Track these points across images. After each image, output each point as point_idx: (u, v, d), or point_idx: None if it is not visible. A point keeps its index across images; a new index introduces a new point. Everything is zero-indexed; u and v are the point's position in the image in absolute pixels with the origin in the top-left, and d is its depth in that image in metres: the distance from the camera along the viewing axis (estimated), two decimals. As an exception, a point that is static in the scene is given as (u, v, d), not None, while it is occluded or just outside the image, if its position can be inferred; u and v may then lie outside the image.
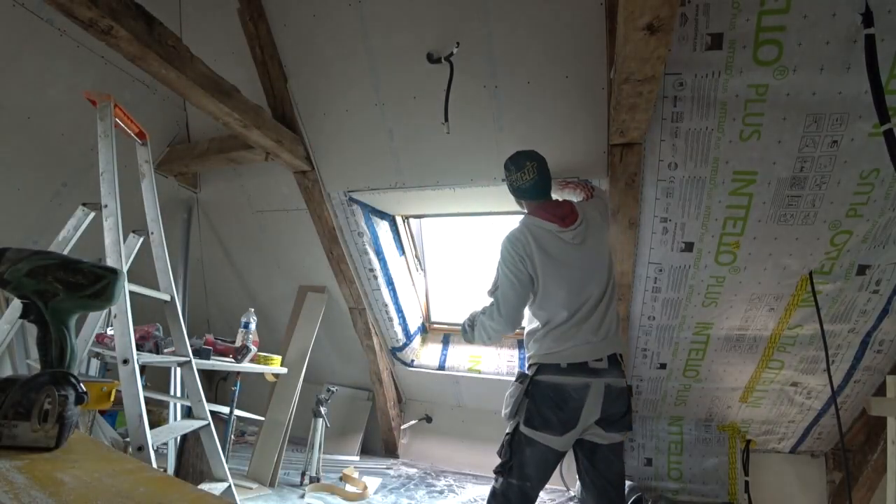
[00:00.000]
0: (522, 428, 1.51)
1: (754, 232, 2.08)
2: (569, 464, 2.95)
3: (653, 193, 2.10)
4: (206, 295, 3.86)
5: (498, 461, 1.57)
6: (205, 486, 1.81)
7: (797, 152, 1.84)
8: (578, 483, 1.84)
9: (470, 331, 1.77)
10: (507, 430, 1.56)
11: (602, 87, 2.01)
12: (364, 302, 3.12)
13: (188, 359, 1.92)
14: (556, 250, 1.63)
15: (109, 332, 2.01)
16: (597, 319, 1.59)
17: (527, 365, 1.66)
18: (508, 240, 1.69)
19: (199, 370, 1.98)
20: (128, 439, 1.61)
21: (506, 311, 1.64)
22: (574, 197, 1.99)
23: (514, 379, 1.62)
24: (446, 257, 3.28)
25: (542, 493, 2.79)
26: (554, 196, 1.90)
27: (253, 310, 2.70)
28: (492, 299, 1.71)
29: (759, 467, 2.80)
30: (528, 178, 1.73)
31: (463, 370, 3.12)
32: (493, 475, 1.57)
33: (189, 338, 2.00)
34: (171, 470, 2.39)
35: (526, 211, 1.83)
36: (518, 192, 1.80)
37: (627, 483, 2.54)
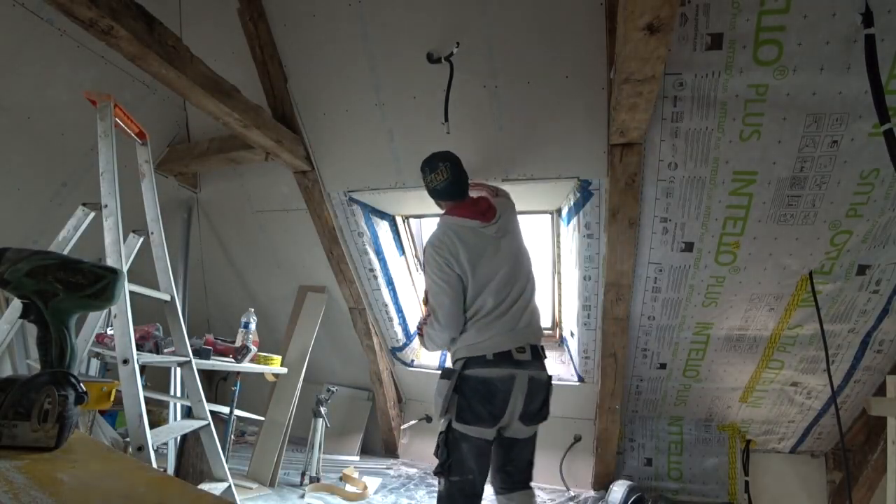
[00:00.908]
0: (455, 424, 1.50)
1: (754, 232, 2.08)
2: (569, 464, 2.98)
3: (653, 193, 2.10)
4: (206, 295, 3.85)
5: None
6: (205, 486, 1.81)
7: (797, 152, 1.84)
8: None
9: (421, 339, 1.78)
10: (440, 430, 1.55)
11: (602, 87, 2.01)
12: (364, 302, 3.12)
13: (188, 359, 1.92)
14: (480, 246, 1.66)
15: (109, 332, 2.01)
16: (518, 310, 1.62)
17: (451, 361, 1.66)
18: (431, 245, 1.69)
19: (199, 370, 1.98)
20: (128, 439, 1.61)
21: (444, 318, 1.62)
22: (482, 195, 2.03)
23: (439, 376, 1.61)
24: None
25: (542, 493, 2.82)
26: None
27: (253, 310, 2.70)
28: (426, 309, 1.72)
29: (759, 467, 2.80)
30: (443, 178, 1.75)
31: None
32: (434, 477, 1.58)
33: (189, 338, 2.00)
34: (171, 470, 2.39)
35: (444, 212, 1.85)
36: (435, 194, 1.82)
37: (627, 483, 2.54)
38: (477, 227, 1.68)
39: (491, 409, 1.49)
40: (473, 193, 2.04)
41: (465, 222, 1.70)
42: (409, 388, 3.53)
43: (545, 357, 1.65)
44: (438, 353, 3.26)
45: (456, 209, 1.76)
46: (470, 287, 1.63)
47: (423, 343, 1.77)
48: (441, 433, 1.54)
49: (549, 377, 1.65)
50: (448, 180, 1.76)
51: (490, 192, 2.05)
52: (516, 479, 1.60)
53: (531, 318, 1.65)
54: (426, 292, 1.75)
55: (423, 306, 1.77)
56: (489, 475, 1.61)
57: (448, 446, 1.50)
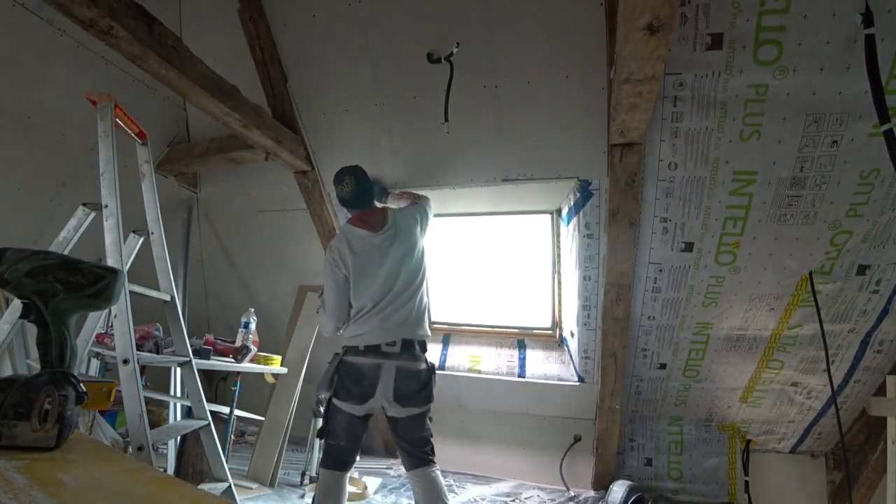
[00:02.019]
0: (333, 399, 1.82)
1: (754, 232, 2.08)
2: (569, 464, 2.98)
3: (653, 193, 2.10)
4: (206, 295, 3.85)
5: None
6: (205, 486, 1.81)
7: (797, 152, 1.84)
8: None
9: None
10: (325, 402, 1.87)
11: (602, 87, 2.01)
12: (364, 302, 3.12)
13: (188, 359, 1.92)
14: (366, 252, 1.90)
15: (110, 331, 2.00)
16: (393, 309, 1.85)
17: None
18: (329, 249, 1.97)
19: (199, 370, 1.98)
20: (128, 439, 1.61)
21: (329, 310, 1.95)
22: (401, 203, 2.31)
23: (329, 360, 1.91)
24: (446, 257, 3.28)
25: (541, 493, 2.82)
26: (390, 203, 2.35)
27: (253, 310, 2.70)
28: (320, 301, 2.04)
29: (759, 467, 2.80)
30: (347, 189, 1.94)
31: (463, 370, 3.11)
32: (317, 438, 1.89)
33: (189, 338, 2.00)
34: (171, 470, 2.39)
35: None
36: (342, 202, 2.01)
37: (627, 483, 2.54)
38: (366, 237, 1.92)
39: (359, 391, 1.77)
40: (392, 202, 2.39)
41: (357, 231, 1.94)
42: (409, 388, 3.52)
43: (422, 350, 1.88)
44: (439, 353, 3.26)
45: (354, 218, 2.00)
46: (353, 287, 1.90)
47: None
48: (325, 405, 1.85)
49: (425, 367, 1.86)
50: (352, 191, 1.94)
51: (411, 198, 2.29)
52: (416, 455, 1.83)
53: (407, 316, 1.86)
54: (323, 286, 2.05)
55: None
56: (401, 460, 1.90)
57: (328, 415, 1.83)
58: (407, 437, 1.84)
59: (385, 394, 1.77)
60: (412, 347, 1.84)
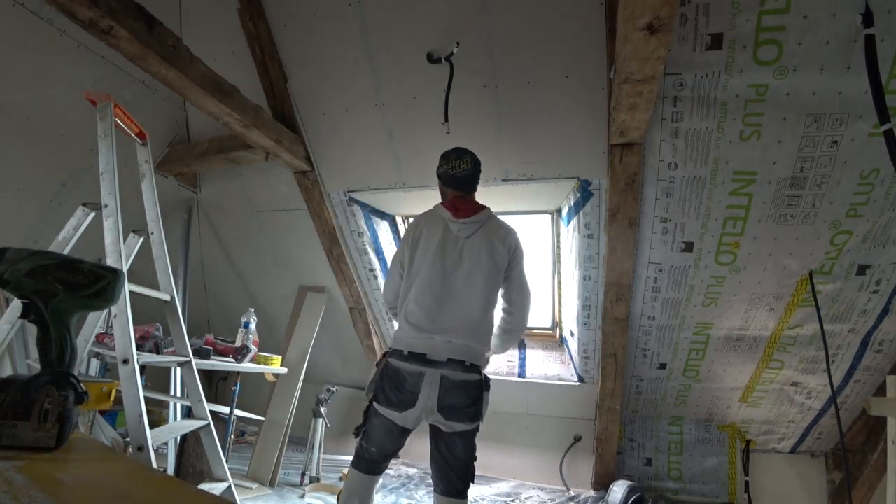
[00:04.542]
0: (374, 403, 1.69)
1: (754, 232, 2.08)
2: (569, 464, 2.98)
3: (653, 193, 2.10)
4: (206, 295, 3.85)
5: None
6: (205, 486, 1.81)
7: (797, 152, 1.84)
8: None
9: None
10: (367, 403, 1.74)
11: (602, 87, 2.01)
12: (364, 302, 3.12)
13: (188, 359, 1.92)
14: (438, 233, 1.73)
15: (110, 331, 2.00)
16: (448, 309, 1.66)
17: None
18: (413, 219, 1.86)
19: (199, 370, 1.98)
20: (128, 439, 1.61)
21: (385, 286, 1.87)
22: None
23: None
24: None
25: (541, 493, 2.82)
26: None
27: (253, 310, 2.70)
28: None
29: (759, 467, 2.80)
30: (465, 167, 1.79)
31: (463, 370, 3.11)
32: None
33: (189, 338, 2.00)
34: (171, 470, 2.39)
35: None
36: (448, 179, 1.82)
37: (627, 483, 2.54)
38: (447, 218, 1.75)
39: (400, 397, 1.62)
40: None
41: (441, 211, 1.78)
42: (409, 388, 3.52)
43: (473, 368, 1.64)
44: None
45: (447, 202, 1.81)
46: (409, 268, 1.74)
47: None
48: (366, 406, 1.73)
49: (477, 379, 1.64)
50: (467, 172, 1.79)
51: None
52: (450, 482, 1.66)
53: (460, 323, 1.65)
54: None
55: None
56: (432, 476, 1.73)
57: (366, 417, 1.71)
58: (447, 455, 1.66)
59: (428, 402, 1.59)
60: (461, 361, 1.62)
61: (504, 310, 1.83)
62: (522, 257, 1.82)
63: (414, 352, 1.62)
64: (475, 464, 1.70)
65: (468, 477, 1.68)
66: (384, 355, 1.72)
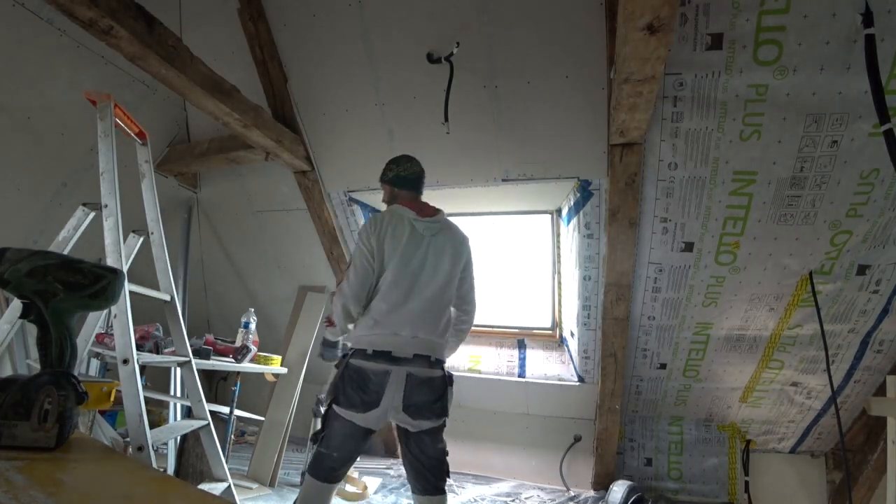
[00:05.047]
0: (334, 405, 1.65)
1: (754, 232, 2.08)
2: (569, 464, 2.98)
3: (653, 193, 2.10)
4: (206, 295, 3.85)
5: None
6: (205, 486, 1.81)
7: (797, 152, 1.84)
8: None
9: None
10: (325, 407, 1.70)
11: (602, 87, 2.01)
12: (364, 302, 3.12)
13: (188, 359, 1.92)
14: (405, 231, 1.72)
15: (110, 331, 2.00)
16: (416, 306, 1.66)
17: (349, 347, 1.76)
18: (369, 218, 1.83)
19: (199, 370, 1.98)
20: (128, 439, 1.61)
21: (348, 289, 1.71)
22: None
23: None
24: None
25: (541, 493, 2.82)
26: None
27: (253, 310, 2.70)
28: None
29: (759, 467, 2.80)
30: (415, 169, 1.88)
31: (463, 370, 3.11)
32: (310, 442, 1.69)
33: (189, 338, 2.00)
34: (171, 470, 2.39)
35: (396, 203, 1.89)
36: (399, 182, 1.88)
37: (627, 483, 2.54)
38: (412, 217, 1.76)
39: (364, 397, 1.59)
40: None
41: (403, 210, 1.79)
42: (409, 388, 3.52)
43: (437, 364, 1.68)
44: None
45: (404, 201, 1.85)
46: (378, 267, 1.71)
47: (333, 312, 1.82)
48: (325, 410, 1.69)
49: (441, 375, 1.67)
50: (416, 173, 1.88)
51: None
52: (426, 478, 1.66)
53: (428, 320, 1.68)
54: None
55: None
56: (408, 477, 1.72)
57: (326, 421, 1.66)
58: (419, 454, 1.66)
59: (393, 402, 1.59)
60: (426, 357, 1.65)
61: (461, 309, 1.86)
62: (472, 260, 1.90)
63: (378, 350, 1.62)
64: (447, 458, 1.70)
65: (443, 472, 1.69)
66: (343, 357, 1.70)
